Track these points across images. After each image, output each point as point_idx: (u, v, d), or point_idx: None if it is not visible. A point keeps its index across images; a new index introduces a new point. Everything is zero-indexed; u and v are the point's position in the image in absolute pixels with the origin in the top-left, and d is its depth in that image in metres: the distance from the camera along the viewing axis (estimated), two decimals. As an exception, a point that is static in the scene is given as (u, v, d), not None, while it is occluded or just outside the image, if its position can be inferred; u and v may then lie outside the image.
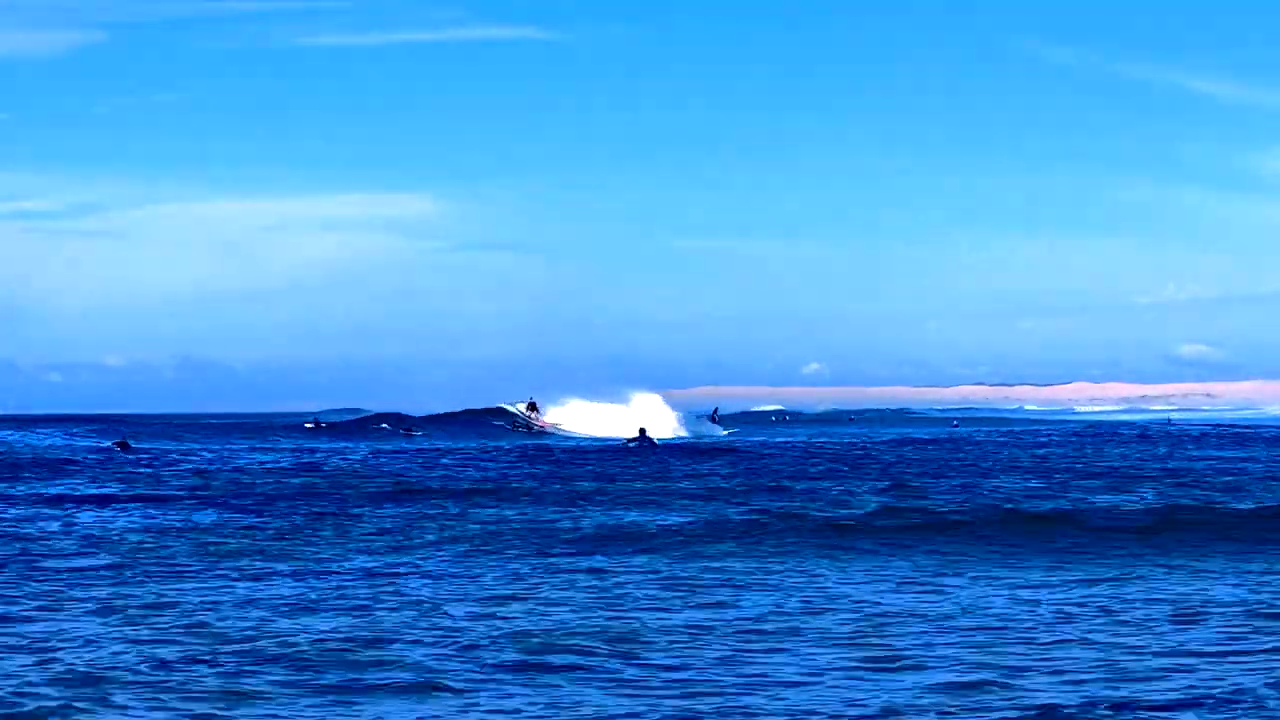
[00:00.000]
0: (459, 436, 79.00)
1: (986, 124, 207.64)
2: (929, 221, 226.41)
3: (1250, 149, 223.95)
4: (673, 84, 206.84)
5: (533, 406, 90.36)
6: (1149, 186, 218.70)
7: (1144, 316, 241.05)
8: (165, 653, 14.04)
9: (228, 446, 67.79)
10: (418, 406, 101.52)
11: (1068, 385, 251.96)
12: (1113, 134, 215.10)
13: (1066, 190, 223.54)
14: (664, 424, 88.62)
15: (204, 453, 59.99)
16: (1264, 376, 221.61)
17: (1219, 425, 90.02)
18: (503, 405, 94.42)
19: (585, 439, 76.16)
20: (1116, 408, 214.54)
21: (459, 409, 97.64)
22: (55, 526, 26.89)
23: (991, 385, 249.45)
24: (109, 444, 68.98)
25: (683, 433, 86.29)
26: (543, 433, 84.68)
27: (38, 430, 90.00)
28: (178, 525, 27.04)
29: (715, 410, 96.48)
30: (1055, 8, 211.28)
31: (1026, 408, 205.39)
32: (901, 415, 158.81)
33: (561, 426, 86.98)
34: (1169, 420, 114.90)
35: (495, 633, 15.04)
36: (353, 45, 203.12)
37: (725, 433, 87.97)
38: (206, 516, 28.77)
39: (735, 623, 15.79)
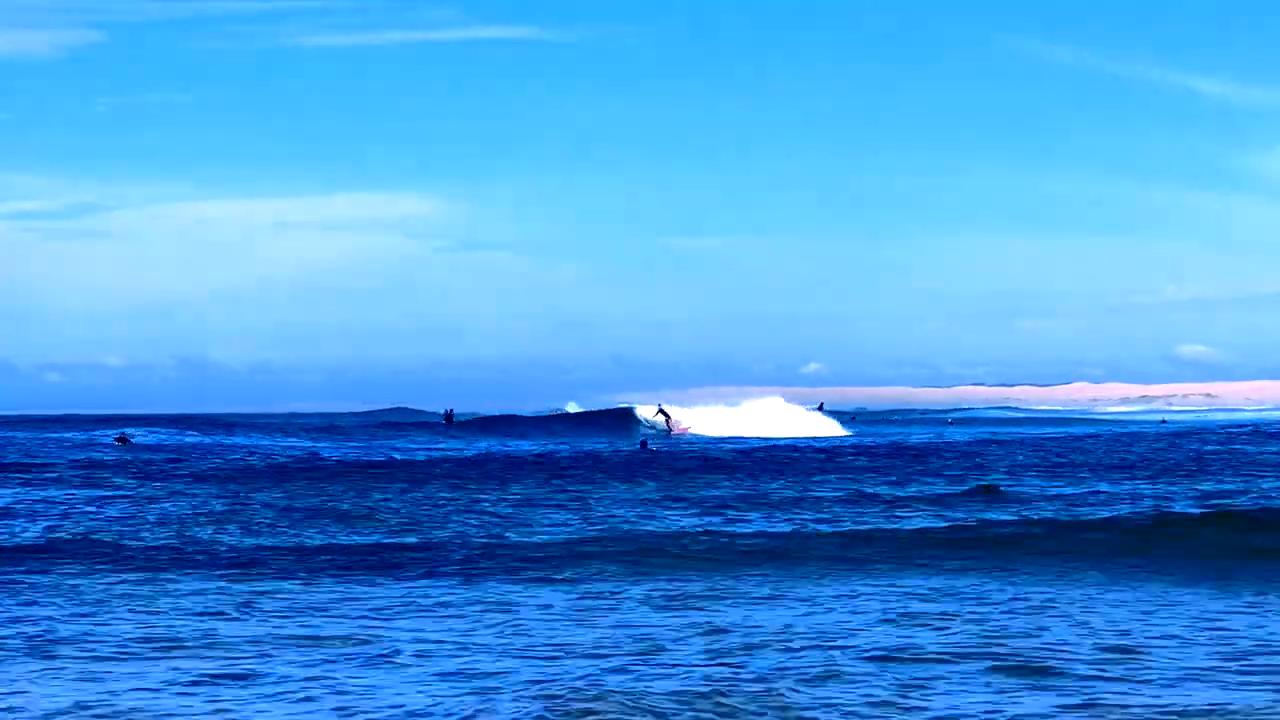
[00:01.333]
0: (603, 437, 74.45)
1: (986, 124, 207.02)
2: (929, 221, 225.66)
3: (1250, 149, 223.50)
4: (672, 84, 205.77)
5: (663, 412, 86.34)
6: (1149, 187, 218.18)
7: (1144, 316, 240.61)
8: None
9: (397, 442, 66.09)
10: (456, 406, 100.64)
11: (1068, 385, 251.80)
12: (1113, 134, 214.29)
13: (1066, 190, 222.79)
14: (797, 423, 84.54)
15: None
16: (1264, 376, 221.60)
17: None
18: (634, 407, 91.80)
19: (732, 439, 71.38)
20: (1119, 408, 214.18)
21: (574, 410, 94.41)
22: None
23: (991, 385, 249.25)
24: (112, 439, 67.52)
25: (841, 430, 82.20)
26: (679, 437, 78.66)
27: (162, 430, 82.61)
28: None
29: (821, 405, 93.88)
30: (1055, 8, 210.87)
31: (1038, 408, 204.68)
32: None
33: (690, 429, 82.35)
34: (1163, 421, 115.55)
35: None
36: (353, 45, 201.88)
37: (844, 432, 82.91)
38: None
39: None
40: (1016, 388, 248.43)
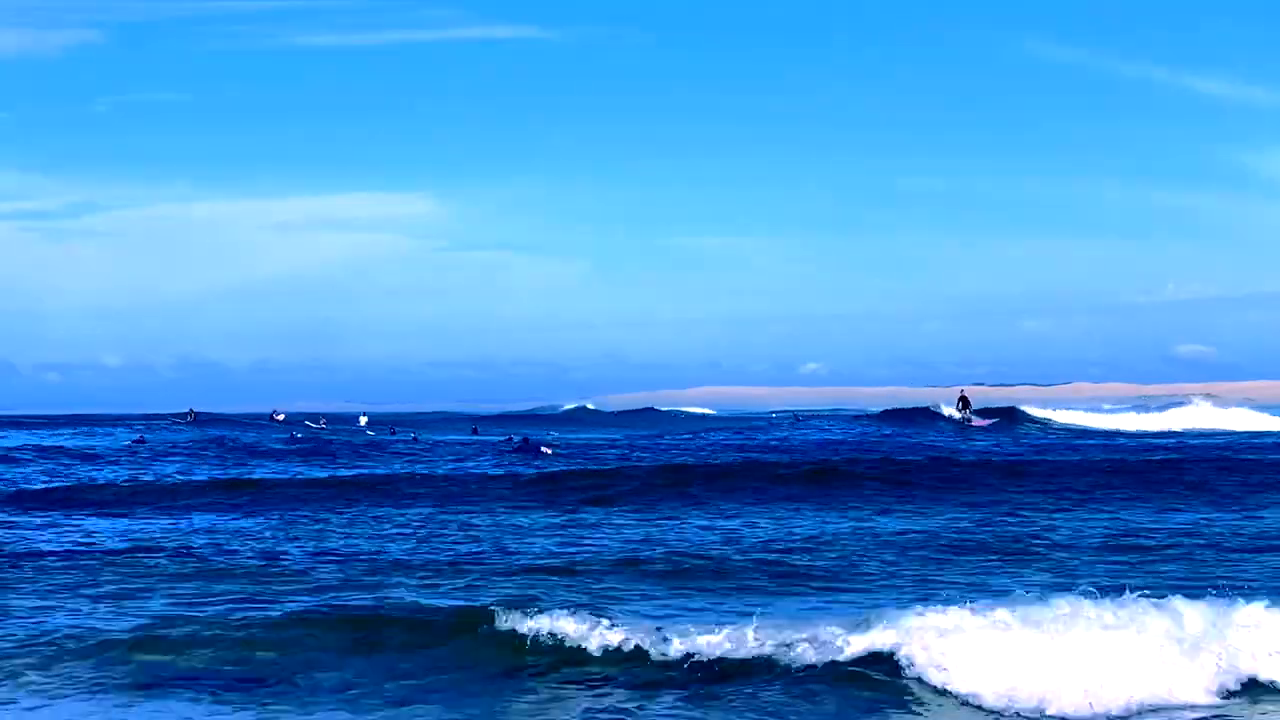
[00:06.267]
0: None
1: (986, 124, 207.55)
2: (928, 221, 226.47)
3: (1250, 149, 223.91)
4: (672, 84, 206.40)
5: (965, 401, 75.01)
6: (1149, 187, 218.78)
7: (1144, 316, 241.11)
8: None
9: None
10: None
11: (1067, 385, 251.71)
12: (1113, 134, 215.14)
13: (1066, 190, 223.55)
14: None
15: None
16: (1264, 376, 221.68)
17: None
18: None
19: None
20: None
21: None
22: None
23: (991, 385, 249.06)
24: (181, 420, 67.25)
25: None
26: (980, 430, 69.13)
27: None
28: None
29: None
30: (1055, 8, 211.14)
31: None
32: None
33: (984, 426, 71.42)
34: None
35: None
36: (353, 45, 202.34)
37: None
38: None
39: None
40: (1016, 387, 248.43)
